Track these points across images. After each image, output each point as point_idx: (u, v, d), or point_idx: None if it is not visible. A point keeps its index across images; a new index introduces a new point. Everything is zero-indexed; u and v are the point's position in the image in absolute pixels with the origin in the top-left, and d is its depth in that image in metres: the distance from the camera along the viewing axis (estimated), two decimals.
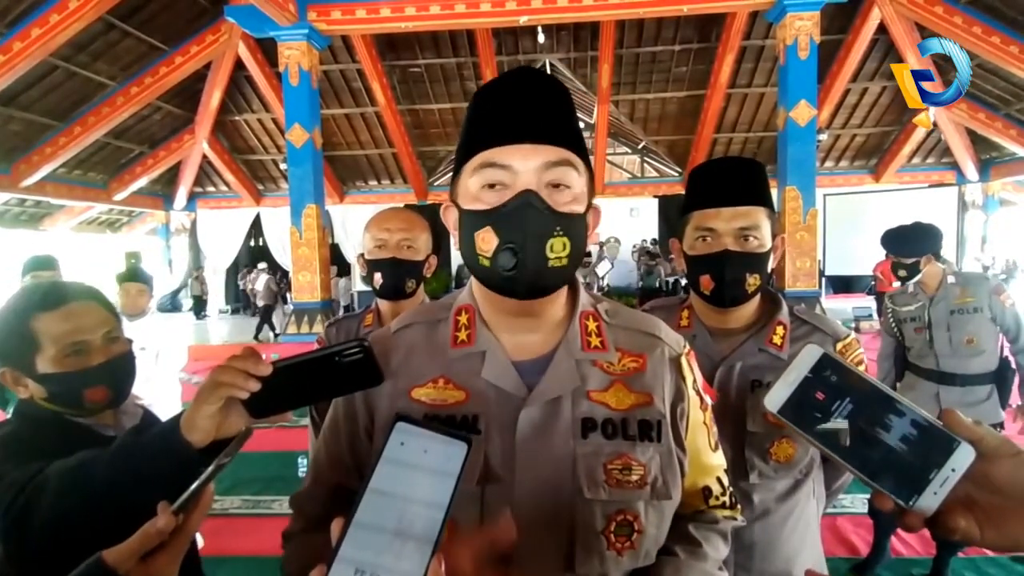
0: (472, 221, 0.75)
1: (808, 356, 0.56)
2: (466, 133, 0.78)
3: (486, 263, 0.74)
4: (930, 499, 0.50)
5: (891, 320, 2.86)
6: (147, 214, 15.78)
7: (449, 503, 0.51)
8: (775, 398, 0.56)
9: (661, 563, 0.77)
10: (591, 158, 0.82)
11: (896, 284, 2.81)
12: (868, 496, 3.55)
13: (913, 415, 0.52)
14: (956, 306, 2.60)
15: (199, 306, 15.44)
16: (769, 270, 1.21)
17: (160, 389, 3.00)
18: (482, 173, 0.74)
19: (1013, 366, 2.68)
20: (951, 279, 2.65)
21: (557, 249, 0.73)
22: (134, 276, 3.10)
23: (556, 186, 0.73)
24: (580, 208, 0.75)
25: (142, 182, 13.55)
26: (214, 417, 0.67)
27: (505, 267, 0.72)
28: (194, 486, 0.63)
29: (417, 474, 0.52)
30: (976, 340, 2.58)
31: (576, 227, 0.75)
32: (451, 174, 0.83)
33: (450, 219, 0.81)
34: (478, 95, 0.79)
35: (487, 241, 0.73)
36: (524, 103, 0.74)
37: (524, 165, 0.72)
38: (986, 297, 2.58)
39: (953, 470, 0.50)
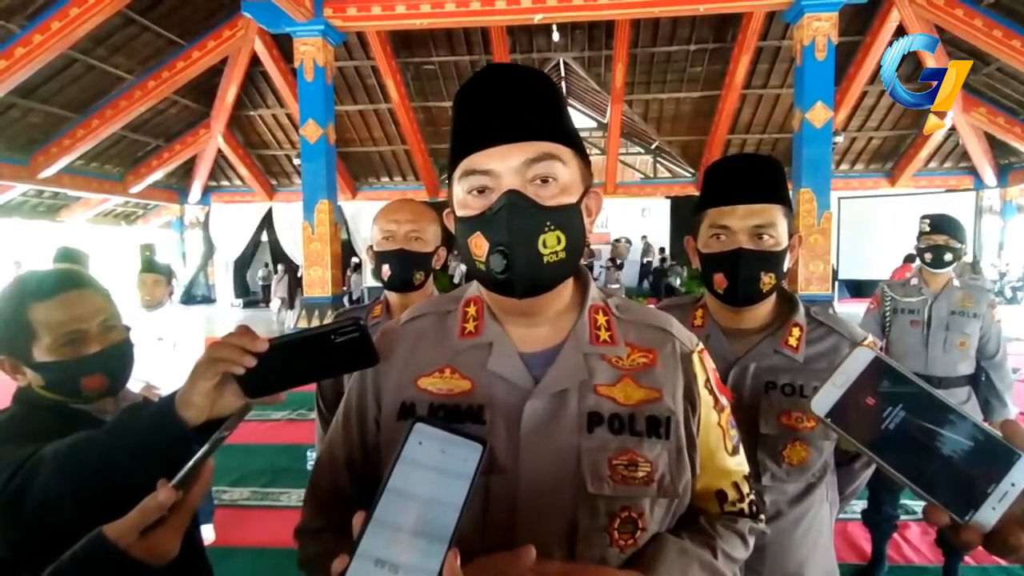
0: (465, 227, 0.75)
1: (858, 359, 0.53)
2: (450, 140, 0.79)
3: (481, 267, 0.74)
4: (988, 514, 0.47)
5: (887, 309, 2.83)
6: (162, 207, 15.95)
7: (464, 502, 0.52)
8: (822, 401, 0.53)
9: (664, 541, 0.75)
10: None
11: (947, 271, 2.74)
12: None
13: (970, 425, 0.49)
14: (957, 308, 2.65)
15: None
16: (785, 269, 1.19)
17: (177, 379, 3.01)
18: (467, 180, 0.74)
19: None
20: (956, 283, 2.70)
21: (551, 244, 0.72)
22: (150, 267, 3.11)
23: (544, 180, 0.72)
24: (571, 199, 0.74)
25: (157, 175, 13.70)
26: (209, 394, 0.68)
27: (496, 269, 0.72)
28: (193, 461, 0.63)
29: (434, 474, 0.53)
30: (967, 343, 2.64)
31: (569, 218, 0.73)
32: None
33: (451, 225, 0.82)
34: (455, 99, 0.78)
35: (479, 246, 0.73)
36: (494, 103, 0.73)
37: (503, 166, 0.71)
38: (985, 307, 2.65)
39: (1013, 484, 0.47)
